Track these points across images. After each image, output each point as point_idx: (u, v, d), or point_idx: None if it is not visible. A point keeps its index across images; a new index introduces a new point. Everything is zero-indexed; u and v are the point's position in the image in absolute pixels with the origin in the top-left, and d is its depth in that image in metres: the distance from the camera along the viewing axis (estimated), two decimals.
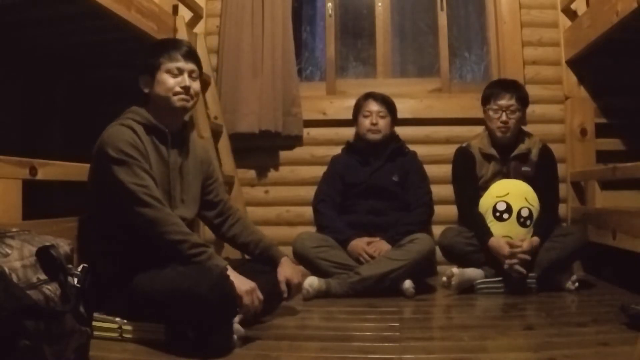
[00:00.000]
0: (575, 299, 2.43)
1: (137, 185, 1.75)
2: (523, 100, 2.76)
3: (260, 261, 2.11)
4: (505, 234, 2.56)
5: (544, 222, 2.60)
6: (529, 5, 3.27)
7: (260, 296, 1.79)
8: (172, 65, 1.91)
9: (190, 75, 1.95)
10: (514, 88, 2.77)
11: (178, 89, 1.92)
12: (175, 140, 1.95)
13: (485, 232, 2.58)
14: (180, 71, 1.92)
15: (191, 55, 1.98)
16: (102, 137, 1.84)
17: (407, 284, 2.49)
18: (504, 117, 2.69)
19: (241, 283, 1.74)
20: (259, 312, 1.85)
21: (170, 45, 1.97)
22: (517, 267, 2.47)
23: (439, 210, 2.95)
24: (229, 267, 1.77)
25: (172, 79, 1.91)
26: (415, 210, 2.79)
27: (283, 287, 2.02)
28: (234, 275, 1.74)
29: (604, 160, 3.10)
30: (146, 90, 1.94)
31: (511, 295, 2.46)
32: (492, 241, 2.54)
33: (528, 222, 2.58)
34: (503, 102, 2.71)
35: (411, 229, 2.66)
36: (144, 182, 1.77)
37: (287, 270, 2.06)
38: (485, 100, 2.79)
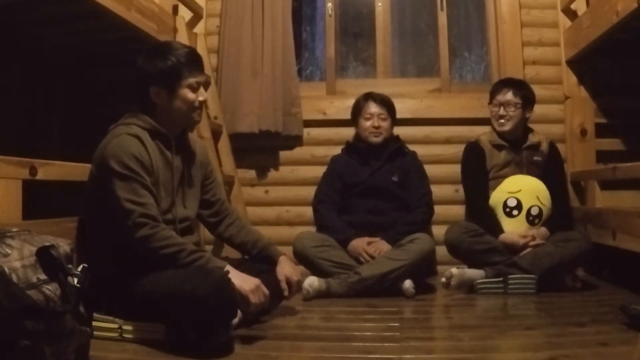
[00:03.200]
0: (575, 299, 2.43)
1: (134, 203, 1.72)
2: (524, 98, 2.79)
3: (258, 260, 2.11)
4: (512, 230, 2.62)
5: (555, 217, 2.68)
6: (529, 5, 3.27)
7: (266, 291, 1.79)
8: (193, 80, 1.88)
9: (202, 87, 1.94)
10: (514, 85, 2.82)
11: (197, 104, 1.91)
12: (177, 144, 1.95)
13: (495, 229, 2.64)
14: (198, 85, 1.91)
15: (203, 65, 1.96)
16: (107, 146, 1.79)
17: (407, 284, 2.49)
18: (501, 111, 2.77)
19: (245, 282, 1.73)
20: (266, 307, 1.85)
21: (188, 57, 1.88)
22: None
23: (439, 210, 2.95)
24: (229, 266, 1.76)
25: (192, 94, 1.89)
26: (415, 210, 2.78)
27: (283, 285, 2.02)
28: (236, 275, 1.73)
29: (604, 160, 3.10)
30: (157, 102, 1.87)
31: (511, 295, 2.46)
32: (504, 237, 2.61)
33: (537, 221, 2.63)
34: (500, 96, 2.80)
35: (411, 229, 2.66)
36: (141, 199, 1.74)
37: (286, 268, 2.06)
38: (490, 98, 2.87)
